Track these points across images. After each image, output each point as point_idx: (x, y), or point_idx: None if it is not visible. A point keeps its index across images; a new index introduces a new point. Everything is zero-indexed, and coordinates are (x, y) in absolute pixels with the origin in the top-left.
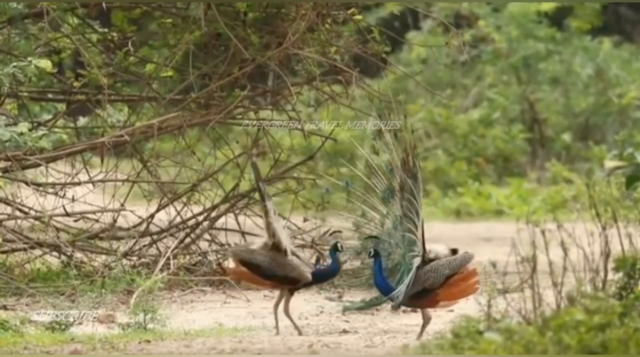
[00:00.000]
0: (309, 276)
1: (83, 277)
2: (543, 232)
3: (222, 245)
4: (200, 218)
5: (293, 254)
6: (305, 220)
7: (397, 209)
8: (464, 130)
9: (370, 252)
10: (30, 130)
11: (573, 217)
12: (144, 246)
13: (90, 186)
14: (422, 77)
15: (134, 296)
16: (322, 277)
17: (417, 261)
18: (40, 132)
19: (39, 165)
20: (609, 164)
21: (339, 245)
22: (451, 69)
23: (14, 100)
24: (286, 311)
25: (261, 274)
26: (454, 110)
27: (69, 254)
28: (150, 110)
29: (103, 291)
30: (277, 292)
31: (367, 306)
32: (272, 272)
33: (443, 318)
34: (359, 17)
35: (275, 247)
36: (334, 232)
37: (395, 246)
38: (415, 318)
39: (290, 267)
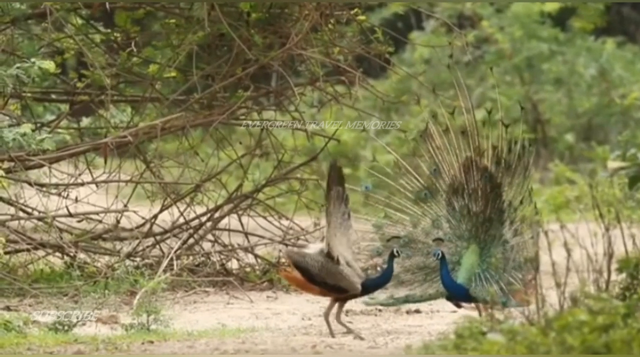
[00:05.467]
0: (358, 287)
1: (86, 278)
2: (546, 233)
3: (225, 246)
4: (204, 219)
5: (347, 263)
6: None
7: (439, 209)
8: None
9: (437, 254)
10: (33, 131)
11: (576, 217)
12: (147, 246)
13: (93, 186)
14: (425, 77)
15: (137, 296)
16: (374, 287)
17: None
18: (44, 133)
19: (42, 165)
20: (612, 164)
21: (395, 251)
22: (454, 69)
23: (18, 101)
24: (337, 318)
25: (311, 280)
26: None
27: (72, 254)
28: (153, 111)
29: (106, 291)
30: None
31: (398, 303)
32: (321, 279)
33: (446, 319)
34: (362, 17)
35: (329, 254)
36: (392, 237)
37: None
38: (419, 319)
39: (340, 277)
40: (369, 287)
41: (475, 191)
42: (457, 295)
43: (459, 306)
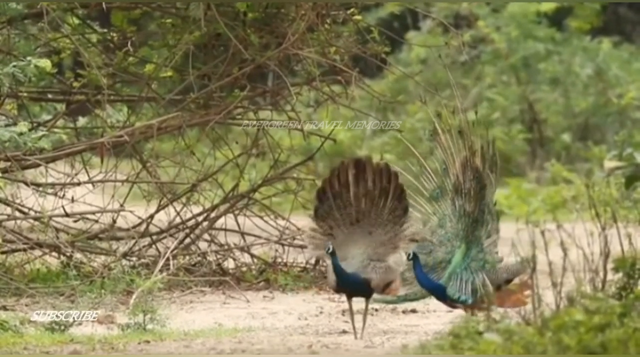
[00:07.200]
0: (333, 284)
1: (82, 277)
2: (542, 233)
3: (221, 245)
4: (200, 218)
5: (345, 260)
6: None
7: (446, 208)
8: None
9: (409, 255)
10: (30, 130)
11: (573, 217)
12: (144, 246)
13: (89, 186)
14: (421, 77)
15: (134, 296)
16: (344, 284)
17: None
18: (40, 133)
19: (39, 165)
20: (609, 164)
21: (328, 249)
22: (451, 69)
23: (14, 101)
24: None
25: None
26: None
27: (68, 254)
28: (149, 111)
29: (102, 291)
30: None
31: (399, 301)
32: None
33: (443, 318)
34: (358, 17)
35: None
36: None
37: (440, 244)
38: (415, 319)
39: (327, 275)
40: (340, 284)
41: (469, 191)
42: (435, 293)
43: (452, 306)
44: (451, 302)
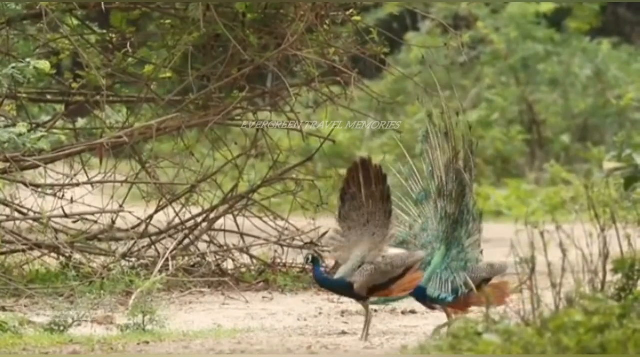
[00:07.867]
0: None
1: (82, 278)
2: (542, 234)
3: (220, 246)
4: (199, 219)
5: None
6: None
7: (429, 211)
8: (463, 132)
9: (307, 259)
10: (29, 131)
11: (572, 218)
12: (143, 247)
13: (89, 187)
14: (420, 78)
15: (133, 297)
16: (326, 286)
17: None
18: (39, 134)
19: (38, 166)
20: (608, 165)
21: (307, 257)
22: (450, 70)
23: (13, 102)
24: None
25: None
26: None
27: (67, 255)
28: (149, 112)
29: (102, 292)
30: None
31: (379, 302)
32: None
33: (442, 319)
34: (357, 18)
35: None
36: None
37: (421, 247)
38: (414, 319)
39: None
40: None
41: (451, 193)
42: (414, 295)
43: (431, 307)
44: (431, 303)
